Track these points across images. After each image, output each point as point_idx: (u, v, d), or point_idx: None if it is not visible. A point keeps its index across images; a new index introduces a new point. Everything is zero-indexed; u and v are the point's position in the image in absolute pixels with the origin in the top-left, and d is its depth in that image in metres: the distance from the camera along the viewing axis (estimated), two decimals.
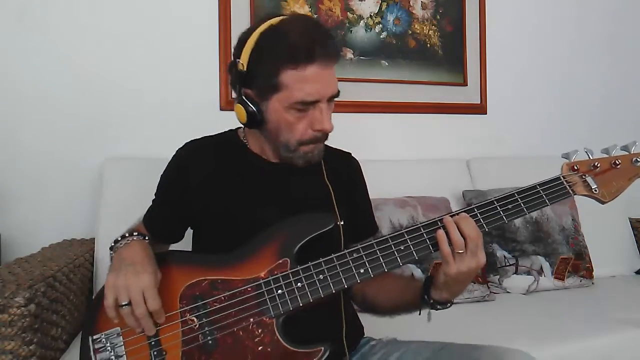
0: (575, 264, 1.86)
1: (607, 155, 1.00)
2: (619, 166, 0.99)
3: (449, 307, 0.96)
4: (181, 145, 1.09)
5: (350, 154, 1.20)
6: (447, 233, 0.89)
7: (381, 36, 2.09)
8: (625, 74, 2.51)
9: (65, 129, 1.73)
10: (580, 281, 1.85)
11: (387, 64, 2.10)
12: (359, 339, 1.11)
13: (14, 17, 1.69)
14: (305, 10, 1.97)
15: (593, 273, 1.89)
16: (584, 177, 0.98)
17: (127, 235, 0.97)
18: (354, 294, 1.12)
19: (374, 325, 1.15)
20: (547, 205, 0.96)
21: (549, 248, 1.85)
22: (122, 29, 1.78)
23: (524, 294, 1.80)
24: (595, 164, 0.99)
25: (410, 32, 2.13)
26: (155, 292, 0.87)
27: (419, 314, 0.99)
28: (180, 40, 1.84)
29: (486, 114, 2.26)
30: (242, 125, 1.03)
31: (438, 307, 0.96)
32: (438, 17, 2.17)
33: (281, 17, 0.97)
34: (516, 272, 1.81)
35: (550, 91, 2.38)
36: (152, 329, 0.87)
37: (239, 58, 0.95)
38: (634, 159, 0.99)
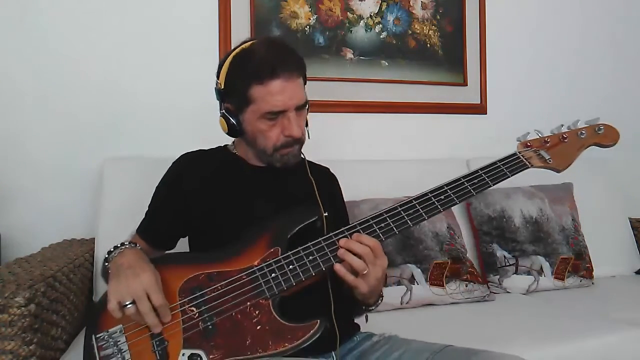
0: (575, 264, 1.86)
1: (555, 133, 1.15)
2: (566, 140, 1.14)
3: (380, 302, 1.10)
4: (176, 157, 1.19)
5: (328, 168, 1.31)
6: (350, 264, 0.96)
7: (381, 36, 2.09)
8: (626, 72, 2.51)
9: (65, 129, 1.73)
10: (580, 281, 1.85)
11: (387, 64, 2.10)
12: (354, 329, 1.13)
13: (14, 17, 1.69)
14: (305, 10, 1.97)
15: (593, 273, 1.89)
16: (537, 151, 1.12)
17: (118, 245, 1.03)
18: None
19: (373, 325, 1.15)
20: (509, 176, 1.08)
21: (549, 248, 1.85)
22: (122, 29, 1.78)
23: (524, 294, 1.79)
24: (546, 139, 1.13)
25: (410, 32, 2.13)
26: (157, 288, 0.91)
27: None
28: (180, 41, 1.84)
29: (486, 114, 2.26)
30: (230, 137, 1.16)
31: (371, 308, 1.09)
32: (438, 17, 2.17)
33: (252, 41, 1.10)
34: (516, 272, 1.81)
35: (551, 91, 2.38)
36: (158, 325, 0.91)
37: (218, 78, 1.10)
38: (579, 132, 1.15)
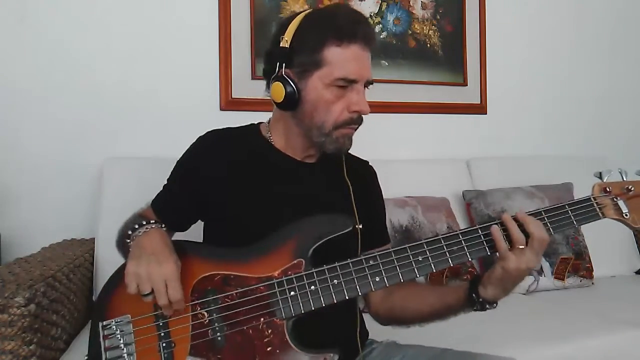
0: (575, 264, 1.85)
1: None
2: None
3: (495, 307, 0.96)
4: (202, 134, 1.08)
5: (367, 162, 1.20)
6: (506, 229, 0.89)
7: (381, 36, 2.09)
8: (625, 74, 2.51)
9: (66, 129, 1.73)
10: (580, 281, 1.85)
11: (387, 64, 2.10)
12: (364, 342, 1.10)
13: (14, 17, 1.69)
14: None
15: (593, 273, 1.89)
16: (615, 199, 0.95)
17: (144, 223, 0.95)
18: (375, 311, 1.11)
19: (373, 327, 1.15)
20: (574, 226, 0.94)
21: (549, 248, 1.84)
22: (123, 29, 1.78)
23: (524, 294, 1.79)
24: (629, 187, 0.95)
25: (410, 32, 2.13)
26: (178, 282, 0.86)
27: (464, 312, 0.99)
28: (181, 41, 1.84)
29: (486, 114, 2.26)
30: (276, 107, 1.01)
31: (487, 306, 0.95)
32: (438, 17, 2.17)
33: (326, 6, 1.05)
34: None
35: (550, 91, 2.38)
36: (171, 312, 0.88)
37: (283, 36, 0.97)
38: None
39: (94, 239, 1.58)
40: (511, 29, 2.30)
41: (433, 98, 2.16)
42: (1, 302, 1.01)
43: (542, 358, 1.27)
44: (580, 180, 2.08)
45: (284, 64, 0.97)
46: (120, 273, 0.91)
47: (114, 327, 0.89)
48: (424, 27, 2.15)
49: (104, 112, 1.76)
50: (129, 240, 0.95)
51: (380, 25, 2.09)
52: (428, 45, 2.16)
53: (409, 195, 1.81)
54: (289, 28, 0.97)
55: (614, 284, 1.95)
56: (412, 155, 2.09)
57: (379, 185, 1.19)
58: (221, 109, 1.88)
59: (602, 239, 2.01)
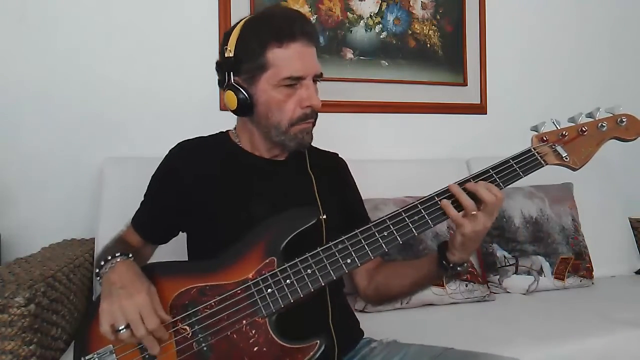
0: (575, 264, 1.85)
1: (573, 124, 1.03)
2: (585, 133, 1.01)
3: (466, 267, 0.99)
4: (173, 146, 1.11)
5: (337, 154, 1.22)
6: (458, 200, 0.91)
7: (381, 36, 2.09)
8: (625, 74, 2.51)
9: (65, 128, 1.73)
10: (580, 281, 1.85)
11: (387, 64, 2.10)
12: (357, 338, 1.11)
13: (14, 16, 1.69)
14: (305, 10, 1.97)
15: (593, 273, 1.89)
16: (553, 146, 1.00)
17: (109, 258, 0.95)
18: (364, 294, 1.13)
19: (374, 327, 1.15)
20: (521, 177, 0.97)
21: (549, 248, 1.85)
22: (122, 29, 1.78)
23: (524, 294, 1.80)
24: (563, 132, 1.01)
25: (410, 32, 2.13)
26: (152, 310, 0.86)
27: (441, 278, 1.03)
28: (181, 40, 1.84)
29: (486, 114, 2.26)
30: (234, 115, 1.06)
31: (458, 268, 0.98)
32: (438, 17, 2.17)
33: (262, 11, 1.06)
34: (516, 272, 1.81)
35: (550, 91, 2.38)
36: (156, 347, 0.87)
37: (226, 46, 1.01)
38: (599, 124, 1.02)
39: (94, 239, 1.58)
40: (511, 29, 2.30)
41: (433, 98, 2.16)
42: (1, 302, 1.01)
43: (542, 358, 1.27)
44: (580, 180, 2.10)
45: (231, 73, 1.00)
46: (96, 305, 0.91)
47: (97, 359, 0.89)
48: (424, 27, 2.15)
49: (104, 112, 1.76)
50: (99, 279, 0.95)
51: (380, 25, 2.09)
52: (428, 45, 2.16)
53: (409, 195, 1.81)
54: (230, 38, 1.00)
55: (614, 284, 1.95)
56: (412, 155, 2.09)
57: (351, 176, 1.22)
58: (221, 109, 1.88)
59: (602, 239, 2.02)
